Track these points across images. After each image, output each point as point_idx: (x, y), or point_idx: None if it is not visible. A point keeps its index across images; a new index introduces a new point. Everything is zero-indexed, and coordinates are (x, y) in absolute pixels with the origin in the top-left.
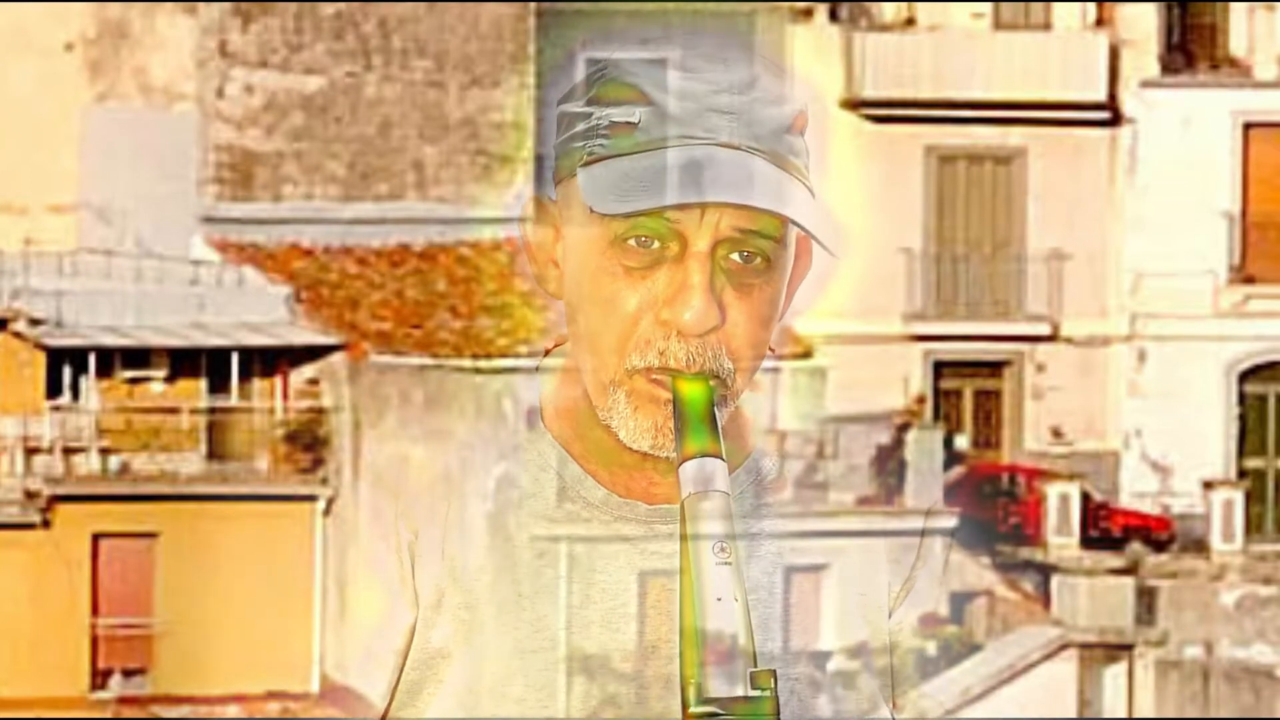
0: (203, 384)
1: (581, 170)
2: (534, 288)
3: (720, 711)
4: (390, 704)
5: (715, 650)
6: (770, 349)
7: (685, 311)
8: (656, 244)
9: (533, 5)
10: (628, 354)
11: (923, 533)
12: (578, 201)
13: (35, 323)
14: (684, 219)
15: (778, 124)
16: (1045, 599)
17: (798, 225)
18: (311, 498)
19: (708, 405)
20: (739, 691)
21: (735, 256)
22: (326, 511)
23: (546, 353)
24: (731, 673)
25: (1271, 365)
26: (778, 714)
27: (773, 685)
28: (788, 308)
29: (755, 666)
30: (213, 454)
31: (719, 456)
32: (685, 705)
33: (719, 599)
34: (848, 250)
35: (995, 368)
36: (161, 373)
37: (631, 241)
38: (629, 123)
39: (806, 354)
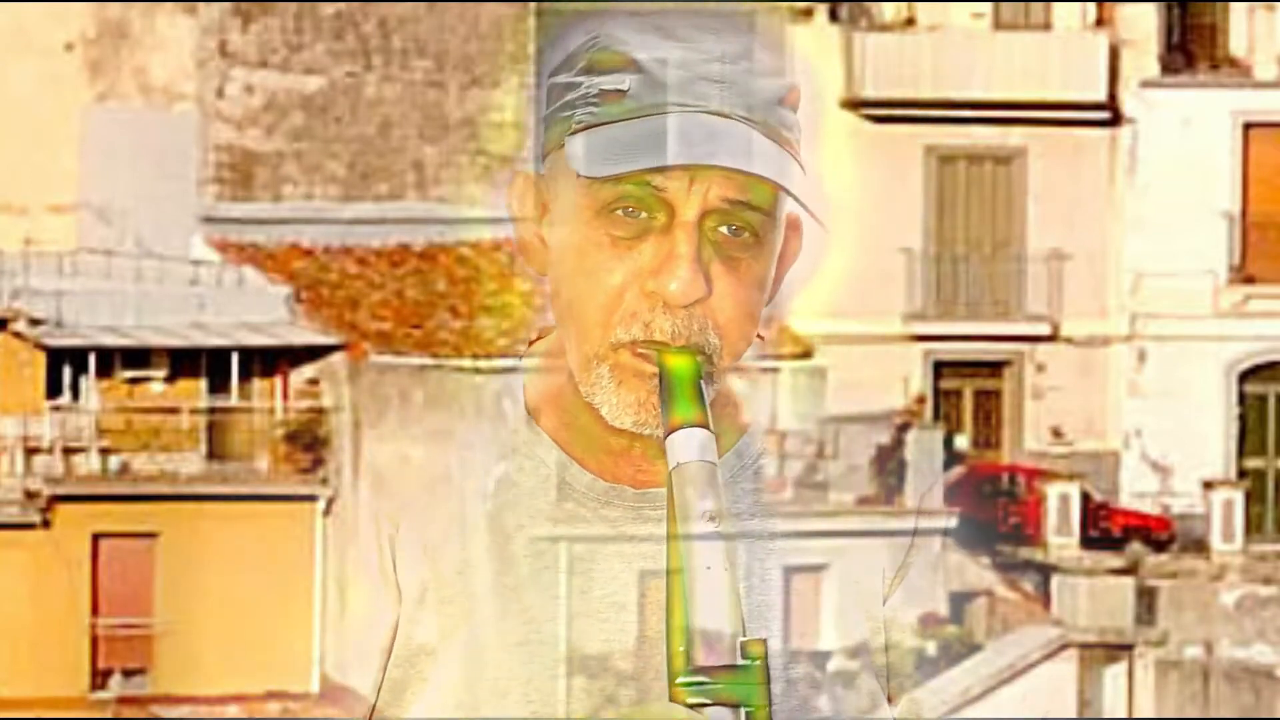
0: (203, 384)
1: (570, 138)
2: (520, 263)
3: (708, 681)
4: (375, 703)
5: (704, 618)
6: (759, 335)
7: (671, 281)
8: (643, 214)
9: (533, 5)
10: (612, 327)
11: (914, 529)
12: (565, 172)
13: (35, 323)
14: (672, 187)
15: (770, 96)
16: (1045, 599)
17: (787, 192)
18: (311, 498)
19: (695, 377)
20: (728, 660)
21: (723, 229)
22: (326, 511)
23: (531, 344)
24: (720, 641)
25: (1271, 365)
26: (768, 683)
27: (763, 654)
28: (776, 291)
29: (745, 636)
30: (213, 454)
31: (707, 427)
32: (672, 676)
33: (707, 567)
34: (847, 247)
35: (995, 368)
36: (161, 373)
37: (618, 211)
38: (619, 90)
39: (806, 354)
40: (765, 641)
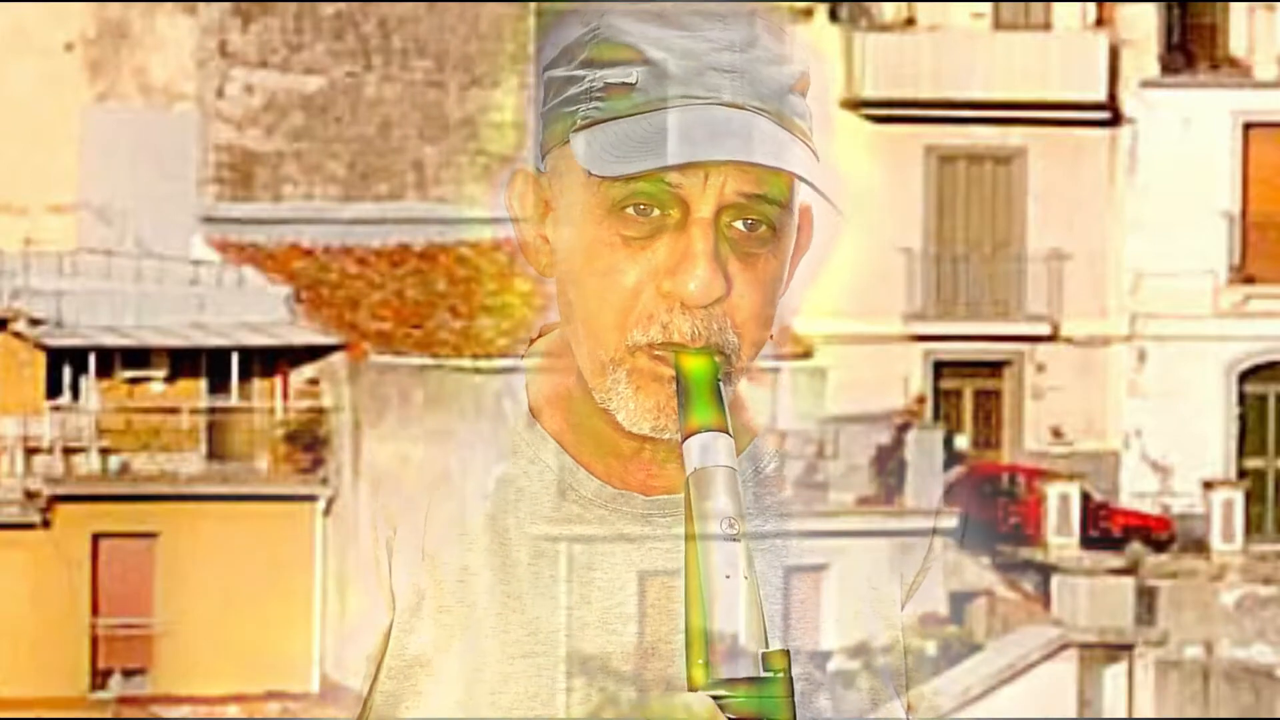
0: (203, 384)
1: (575, 135)
2: (522, 264)
3: (729, 694)
4: (363, 714)
5: (724, 628)
6: (770, 335)
7: (690, 281)
8: (656, 211)
9: (533, 5)
10: (629, 330)
11: (933, 530)
12: (570, 169)
13: (35, 323)
14: (686, 183)
15: (780, 84)
16: (1045, 599)
17: (805, 181)
18: (311, 498)
19: (713, 379)
20: (749, 672)
21: (739, 224)
22: (326, 511)
23: (531, 342)
24: (742, 652)
25: (1271, 365)
26: (791, 695)
27: (786, 665)
28: (789, 284)
29: (766, 646)
30: (213, 454)
31: (726, 431)
32: (693, 686)
33: (727, 576)
34: (847, 248)
35: (995, 368)
36: (161, 373)
37: (630, 209)
38: (626, 83)
39: (806, 354)
40: (788, 653)
